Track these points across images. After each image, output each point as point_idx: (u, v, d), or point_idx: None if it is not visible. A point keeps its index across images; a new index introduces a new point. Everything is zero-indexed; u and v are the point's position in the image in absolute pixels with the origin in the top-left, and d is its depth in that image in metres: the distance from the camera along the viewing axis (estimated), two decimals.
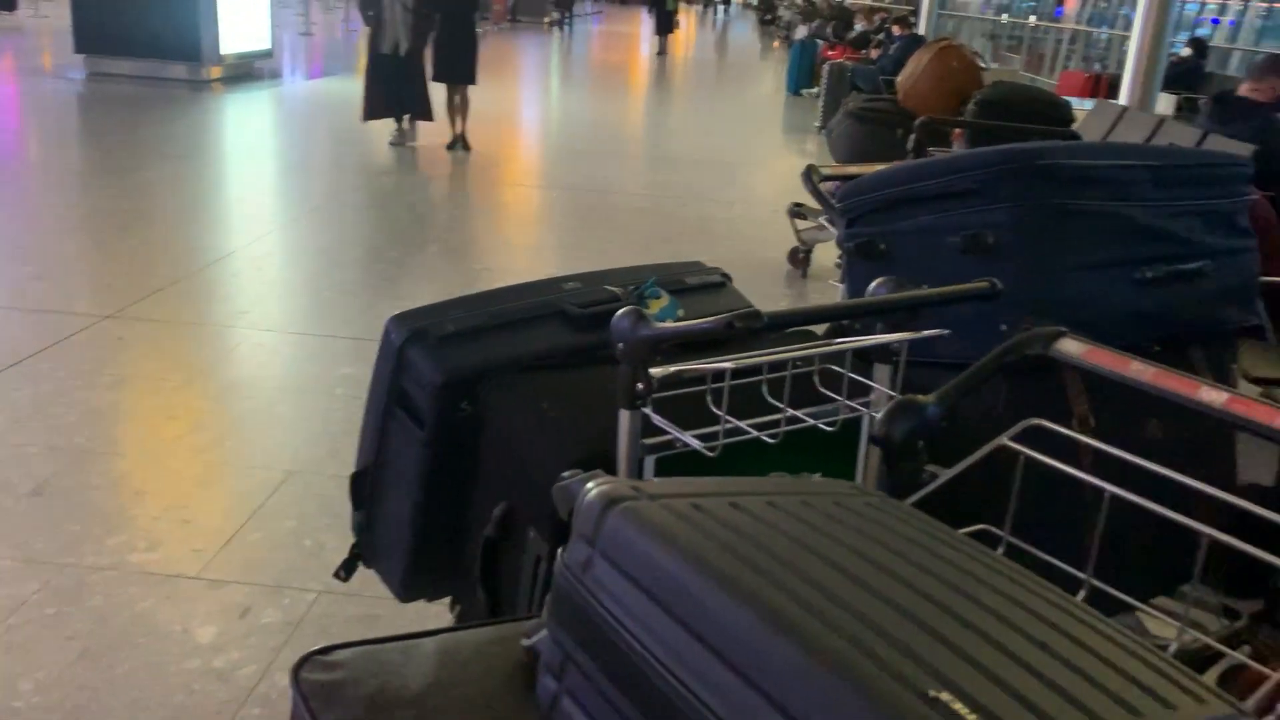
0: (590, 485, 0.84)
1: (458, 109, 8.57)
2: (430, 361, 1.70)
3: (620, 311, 1.39)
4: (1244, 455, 2.91)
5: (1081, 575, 1.14)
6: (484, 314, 1.78)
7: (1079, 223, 1.69)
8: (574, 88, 15.39)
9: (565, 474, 0.99)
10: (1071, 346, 1.21)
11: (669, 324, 1.37)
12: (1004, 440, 1.21)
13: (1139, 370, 1.14)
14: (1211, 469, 2.18)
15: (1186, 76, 11.73)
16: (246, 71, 12.08)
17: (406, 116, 8.65)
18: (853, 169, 2.29)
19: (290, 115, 10.34)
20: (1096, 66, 13.94)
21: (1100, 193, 1.72)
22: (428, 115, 8.64)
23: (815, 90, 12.79)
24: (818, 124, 10.87)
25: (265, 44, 12.56)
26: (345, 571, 1.97)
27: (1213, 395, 1.08)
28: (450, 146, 8.53)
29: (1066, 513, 1.39)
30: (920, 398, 1.20)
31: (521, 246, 6.03)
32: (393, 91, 8.47)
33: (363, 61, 8.69)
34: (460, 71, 8.48)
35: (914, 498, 1.16)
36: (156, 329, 4.12)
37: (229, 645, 2.21)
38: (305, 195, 6.80)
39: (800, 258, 5.59)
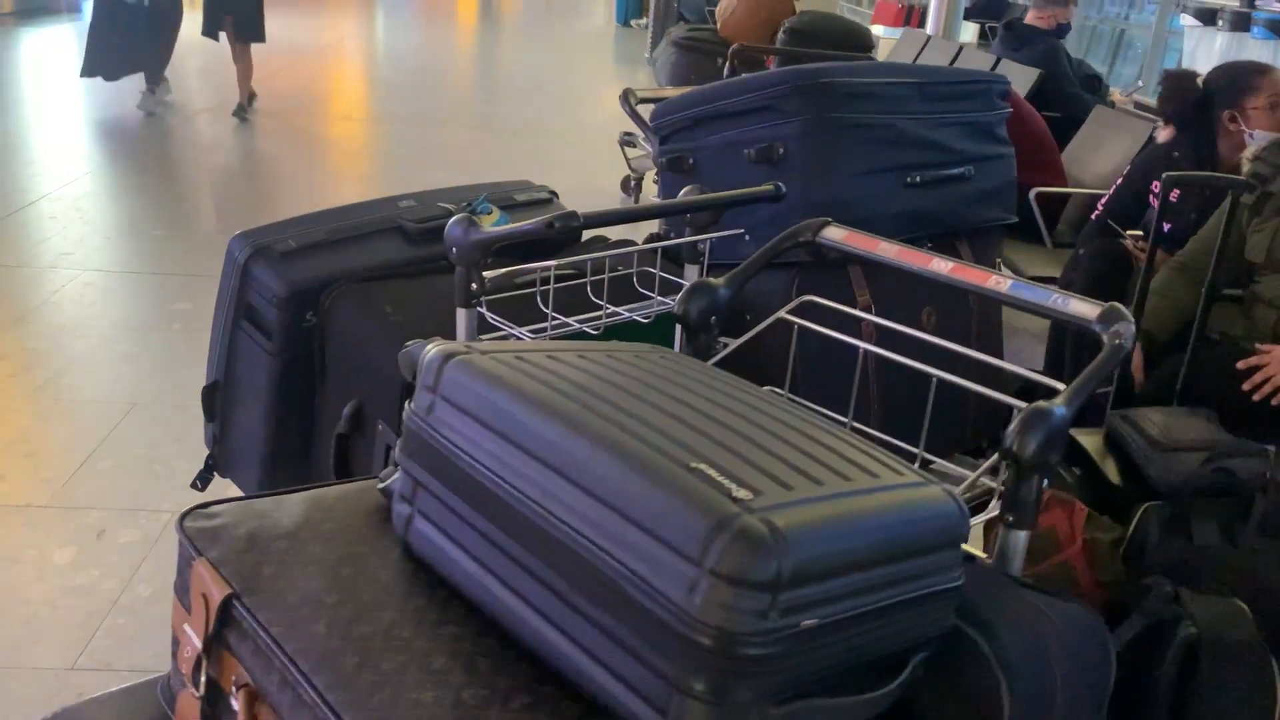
0: (430, 346, 1.02)
1: (240, 70, 7.08)
2: (274, 275, 1.82)
3: (453, 219, 1.54)
4: (1019, 351, 3.30)
5: (843, 420, 1.38)
6: (324, 230, 1.90)
7: (855, 134, 1.93)
8: (395, 23, 15.04)
9: (408, 343, 1.15)
10: (835, 233, 1.43)
11: (497, 228, 1.54)
12: (782, 314, 1.44)
13: (886, 249, 1.38)
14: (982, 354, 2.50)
15: (991, 6, 12.40)
16: (41, 5, 11.33)
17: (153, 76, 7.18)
18: (668, 91, 2.48)
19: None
20: None
21: (873, 107, 1.96)
22: (158, 74, 7.20)
23: (644, 21, 12.93)
24: (648, 54, 11.02)
25: None
26: (201, 482, 2.08)
27: (941, 265, 1.32)
28: (236, 113, 7.04)
29: (842, 375, 1.62)
30: (713, 280, 1.41)
31: (353, 180, 6.01)
32: (127, 43, 6.88)
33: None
34: (242, 25, 6.89)
35: (709, 364, 1.37)
36: None
37: (88, 564, 2.29)
38: (116, 136, 6.56)
39: (633, 185, 5.78)
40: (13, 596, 2.18)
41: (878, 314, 2.14)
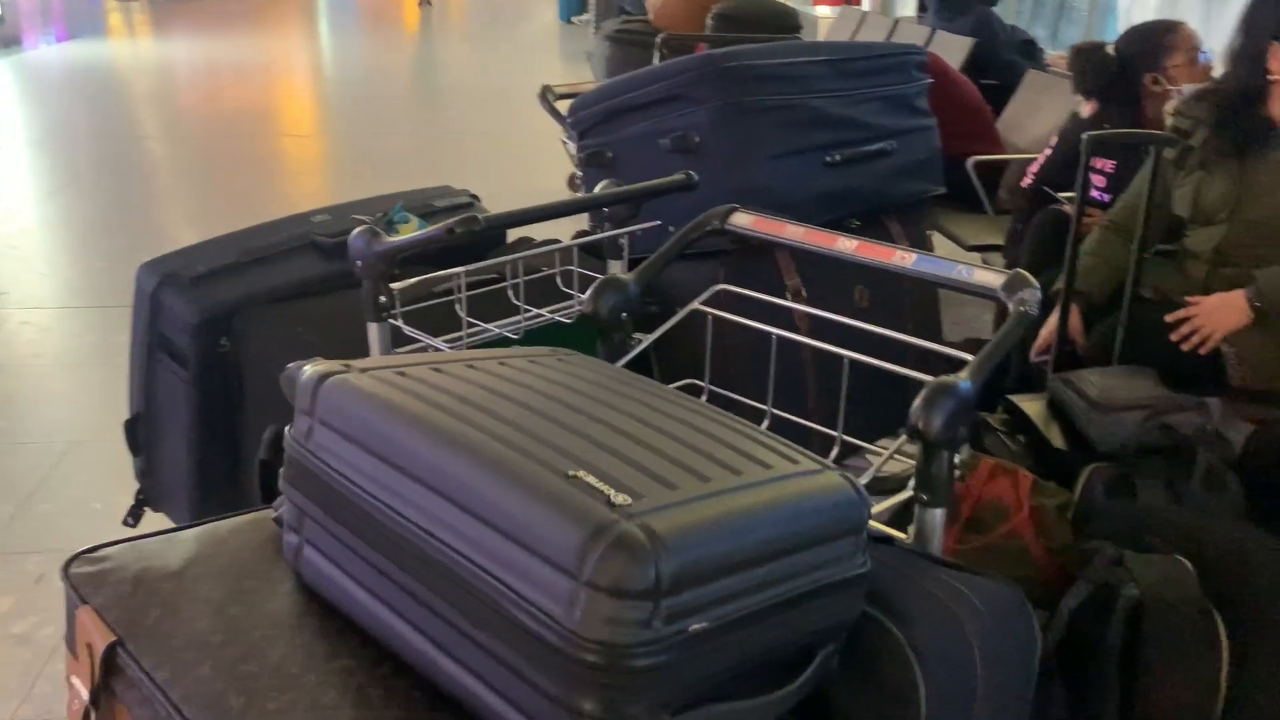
0: (306, 367, 0.98)
1: None
2: (184, 303, 1.77)
3: (355, 231, 1.50)
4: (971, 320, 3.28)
5: (763, 408, 1.35)
6: (235, 252, 1.86)
7: (768, 117, 1.91)
8: (338, 36, 14.89)
9: (289, 365, 1.11)
10: (742, 219, 1.41)
11: (399, 237, 1.50)
12: (696, 305, 1.41)
13: (793, 232, 1.35)
14: (919, 328, 2.49)
15: None
16: None
17: None
18: (585, 86, 2.45)
19: (35, 85, 9.64)
20: None
21: (785, 88, 1.93)
22: None
23: (587, 17, 12.87)
24: (587, 50, 10.97)
25: None
26: (133, 518, 2.03)
27: (846, 244, 1.30)
28: None
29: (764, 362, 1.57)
30: (622, 276, 1.38)
31: (294, 197, 5.92)
32: None
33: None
34: None
35: (622, 361, 1.34)
36: None
37: (27, 611, 2.23)
38: (57, 169, 6.44)
39: (577, 183, 5.73)
40: None
41: (810, 296, 2.13)
